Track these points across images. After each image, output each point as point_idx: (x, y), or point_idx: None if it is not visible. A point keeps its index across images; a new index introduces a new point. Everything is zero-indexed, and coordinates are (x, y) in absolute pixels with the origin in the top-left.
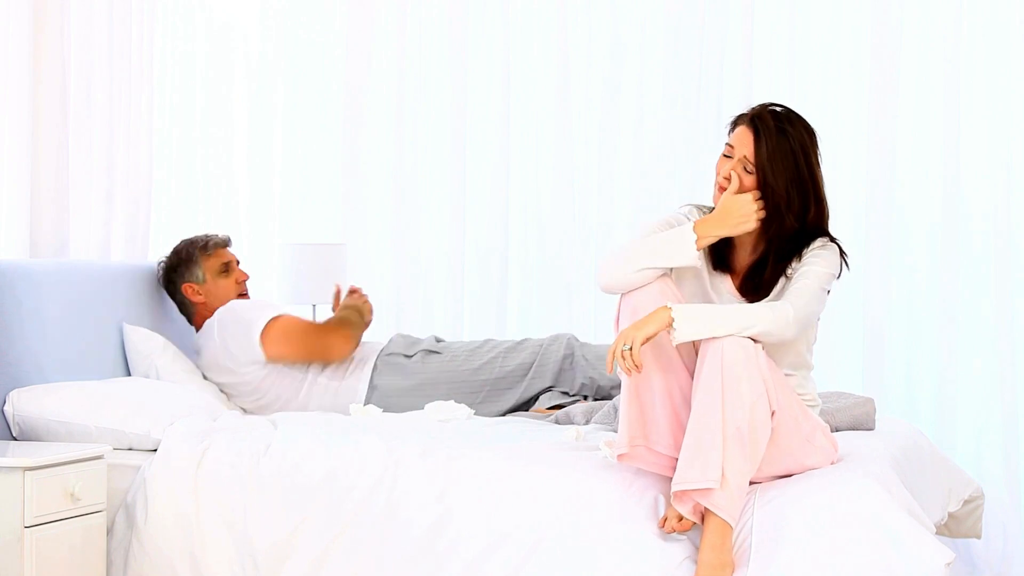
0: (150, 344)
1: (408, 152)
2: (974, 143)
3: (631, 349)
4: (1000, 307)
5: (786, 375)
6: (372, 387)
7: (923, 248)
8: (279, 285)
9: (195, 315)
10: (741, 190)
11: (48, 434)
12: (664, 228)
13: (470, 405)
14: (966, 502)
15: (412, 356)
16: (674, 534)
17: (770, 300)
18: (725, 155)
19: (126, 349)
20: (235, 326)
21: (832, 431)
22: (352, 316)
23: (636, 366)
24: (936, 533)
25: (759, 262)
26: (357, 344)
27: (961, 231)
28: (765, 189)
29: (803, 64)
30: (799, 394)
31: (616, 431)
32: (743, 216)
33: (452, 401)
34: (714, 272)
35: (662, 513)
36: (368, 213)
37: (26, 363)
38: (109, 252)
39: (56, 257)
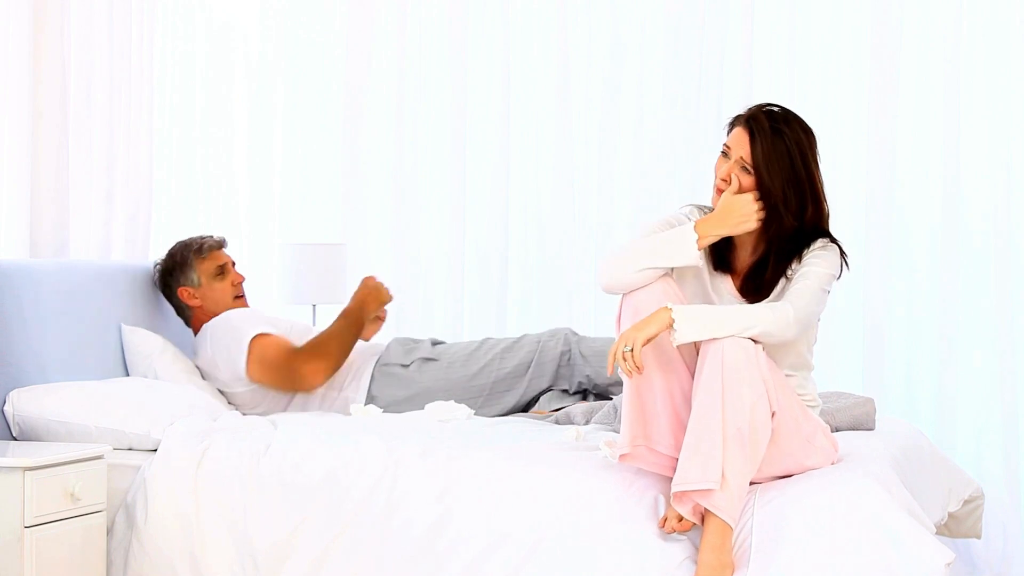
0: (149, 346)
1: (408, 152)
2: (974, 143)
3: (632, 351)
4: (1000, 307)
5: (787, 376)
6: (370, 397)
7: (923, 248)
8: (279, 285)
9: (192, 318)
10: (740, 190)
11: (48, 434)
12: (665, 228)
13: None
14: (966, 502)
15: (409, 366)
16: (674, 534)
17: (770, 301)
18: (723, 156)
19: (125, 351)
20: (225, 340)
21: (832, 431)
22: (341, 328)
23: (637, 368)
24: (936, 533)
25: (759, 263)
26: (331, 373)
27: (961, 231)
28: (762, 189)
29: (803, 64)
30: (799, 395)
31: (616, 431)
32: (744, 216)
33: (452, 402)
34: (715, 273)
35: (662, 513)
36: (368, 213)
37: (26, 363)
38: (109, 252)
39: (56, 257)
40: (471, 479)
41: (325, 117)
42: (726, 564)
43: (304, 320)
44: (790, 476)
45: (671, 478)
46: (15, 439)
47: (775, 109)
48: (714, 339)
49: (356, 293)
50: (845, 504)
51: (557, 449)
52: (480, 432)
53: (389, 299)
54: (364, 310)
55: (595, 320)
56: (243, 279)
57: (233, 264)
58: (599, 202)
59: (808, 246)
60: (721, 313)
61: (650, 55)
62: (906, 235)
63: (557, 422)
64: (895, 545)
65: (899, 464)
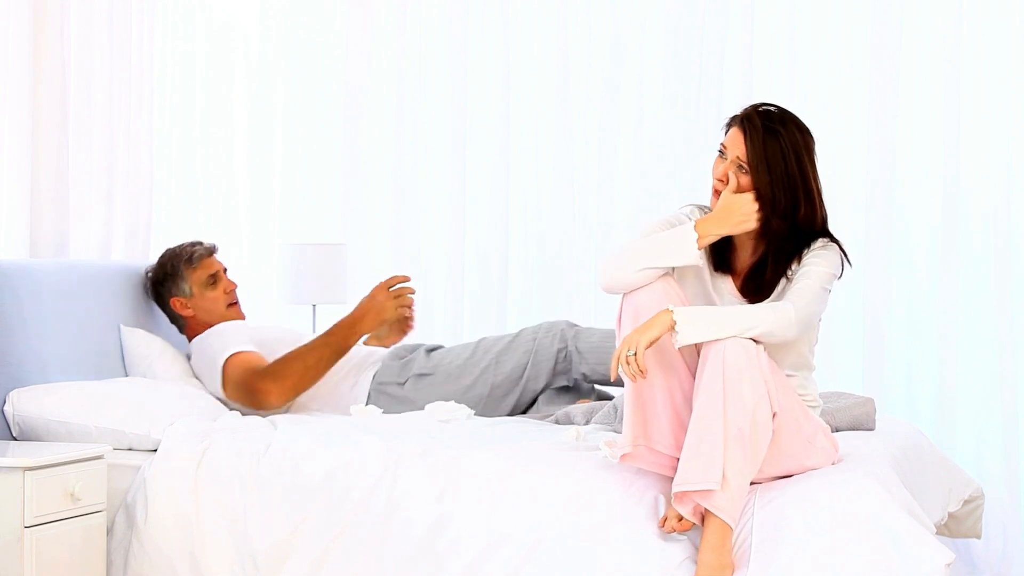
0: (148, 347)
1: (408, 152)
2: (974, 143)
3: (635, 354)
4: (1000, 307)
5: (788, 376)
6: None
7: (923, 248)
8: (279, 285)
9: (186, 327)
10: (739, 190)
11: (48, 434)
12: (665, 228)
13: None
14: (966, 502)
15: (404, 383)
16: (674, 534)
17: (771, 301)
18: (719, 156)
19: (124, 352)
20: (206, 357)
21: (832, 431)
22: (316, 347)
23: (641, 371)
24: (936, 533)
25: (760, 263)
26: (289, 396)
27: (961, 231)
28: (756, 189)
29: (803, 64)
30: (800, 395)
31: (616, 431)
32: (744, 215)
33: (452, 401)
34: (715, 273)
35: (662, 513)
36: (368, 213)
37: (26, 363)
38: (109, 252)
39: (56, 257)
40: (471, 479)
41: (325, 117)
42: (726, 564)
43: (302, 325)
44: (790, 476)
45: (671, 478)
46: (15, 439)
47: (772, 109)
48: (715, 339)
49: (360, 303)
50: (845, 504)
51: (557, 449)
52: (480, 432)
53: (393, 318)
54: (357, 326)
55: (595, 320)
56: (235, 286)
57: (225, 270)
58: (599, 202)
59: (808, 246)
60: (722, 314)
61: (650, 55)
62: (906, 235)
63: (557, 422)
64: (895, 545)
65: (899, 464)
